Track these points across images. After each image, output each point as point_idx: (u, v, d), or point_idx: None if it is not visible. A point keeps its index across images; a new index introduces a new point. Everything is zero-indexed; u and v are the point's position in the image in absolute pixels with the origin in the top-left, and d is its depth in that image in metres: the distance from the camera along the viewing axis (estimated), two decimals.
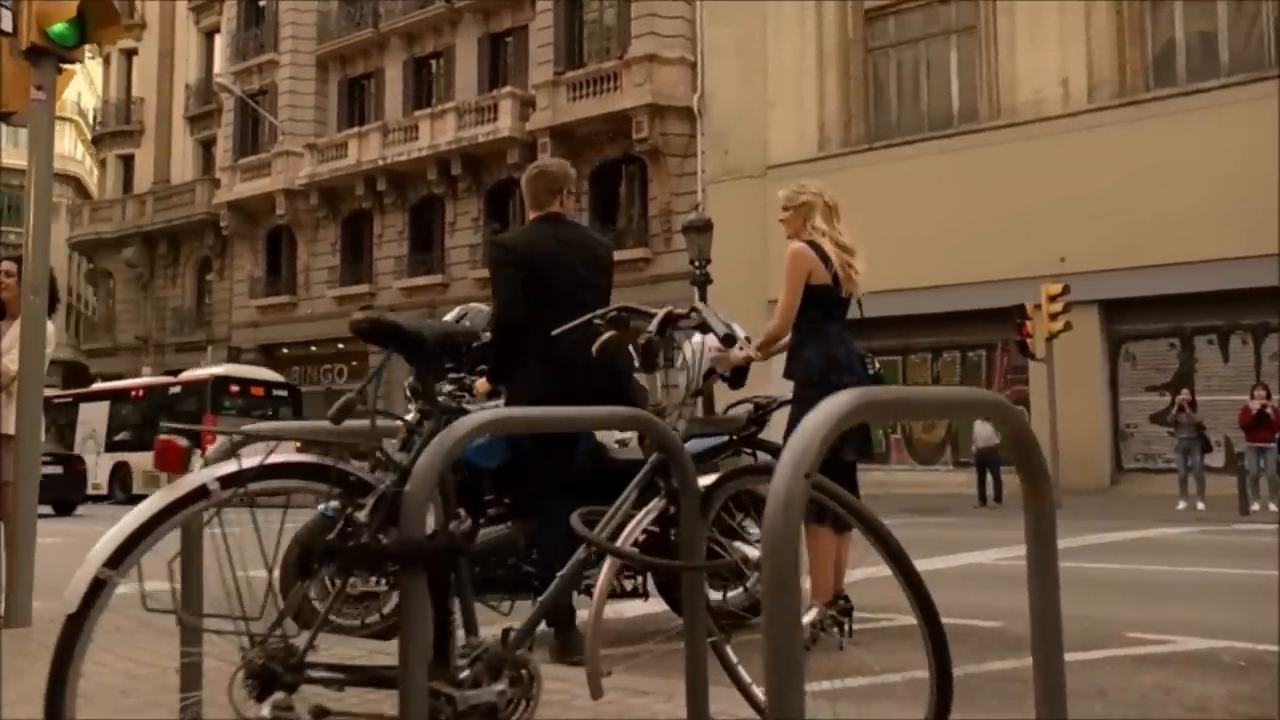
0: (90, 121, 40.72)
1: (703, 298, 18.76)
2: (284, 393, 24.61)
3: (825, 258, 4.42)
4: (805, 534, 4.16)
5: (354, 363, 29.00)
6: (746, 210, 21.73)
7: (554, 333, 3.25)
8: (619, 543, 2.44)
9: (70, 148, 50.18)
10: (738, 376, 4.11)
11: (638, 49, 22.70)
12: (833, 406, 1.39)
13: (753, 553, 2.34)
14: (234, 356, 29.83)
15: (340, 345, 28.46)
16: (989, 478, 16.68)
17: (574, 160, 24.58)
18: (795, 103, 21.33)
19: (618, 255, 25.30)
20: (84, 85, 41.75)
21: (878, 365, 4.70)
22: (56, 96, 4.54)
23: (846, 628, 4.15)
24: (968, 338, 19.81)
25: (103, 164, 37.43)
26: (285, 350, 30.88)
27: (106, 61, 36.45)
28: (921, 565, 2.40)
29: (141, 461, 22.43)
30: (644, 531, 2.62)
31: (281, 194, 29.24)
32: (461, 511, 2.24)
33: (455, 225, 27.09)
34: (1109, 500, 16.12)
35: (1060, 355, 16.16)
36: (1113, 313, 18.15)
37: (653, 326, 2.92)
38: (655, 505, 2.55)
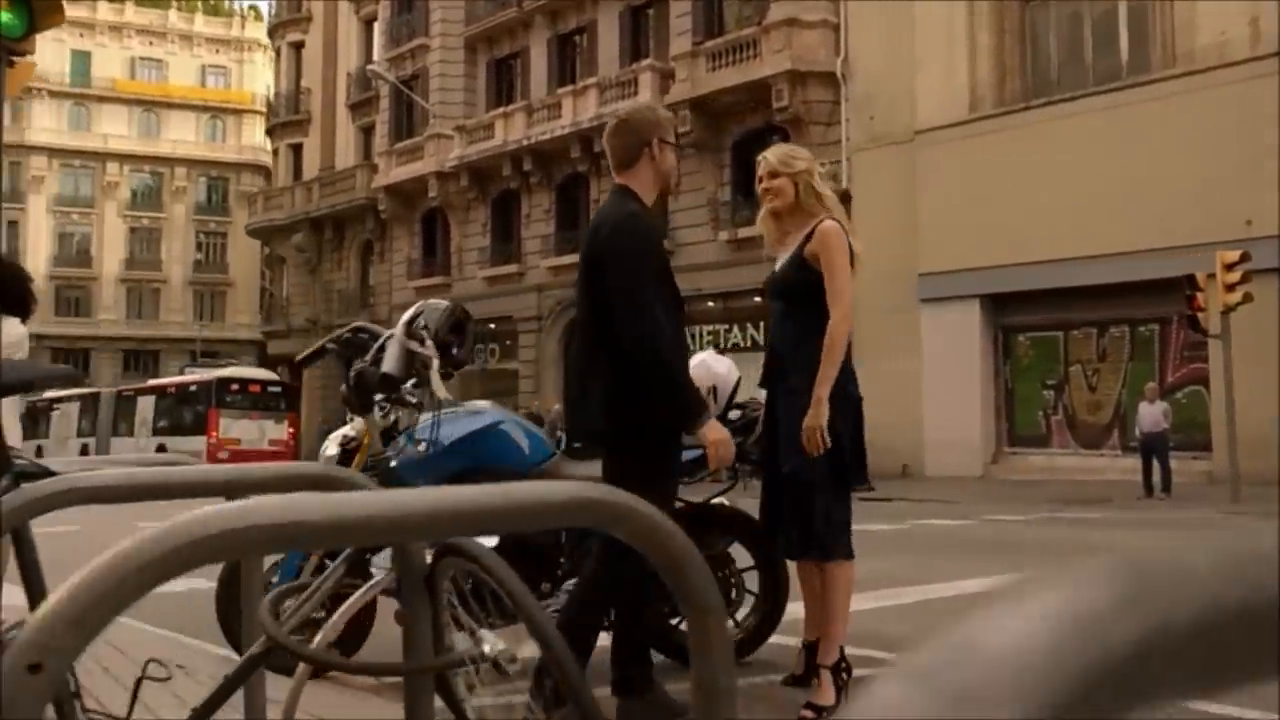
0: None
1: None
2: (278, 389, 28.37)
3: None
4: (826, 575, 3.52)
5: (507, 342, 29.32)
6: (893, 178, 20.59)
7: (298, 358, 2.71)
8: (318, 640, 1.91)
9: (261, 140, 52.99)
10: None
11: (776, 13, 21.76)
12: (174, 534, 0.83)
13: (498, 644, 1.75)
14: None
15: (492, 325, 28.74)
16: (1155, 466, 15.16)
17: (715, 132, 23.94)
18: (944, 62, 19.94)
19: (760, 230, 24.69)
20: (271, 78, 43.88)
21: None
22: (11, 90, 4.35)
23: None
24: (1138, 311, 18.09)
25: (275, 154, 39.18)
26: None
27: (277, 55, 38.05)
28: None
29: (174, 443, 26.24)
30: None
31: (434, 176, 29.74)
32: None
33: (599, 202, 26.79)
34: None
35: (1240, 330, 14.44)
36: None
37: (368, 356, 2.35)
38: (368, 589, 2.00)
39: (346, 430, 4.18)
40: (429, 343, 3.59)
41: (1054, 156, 18.12)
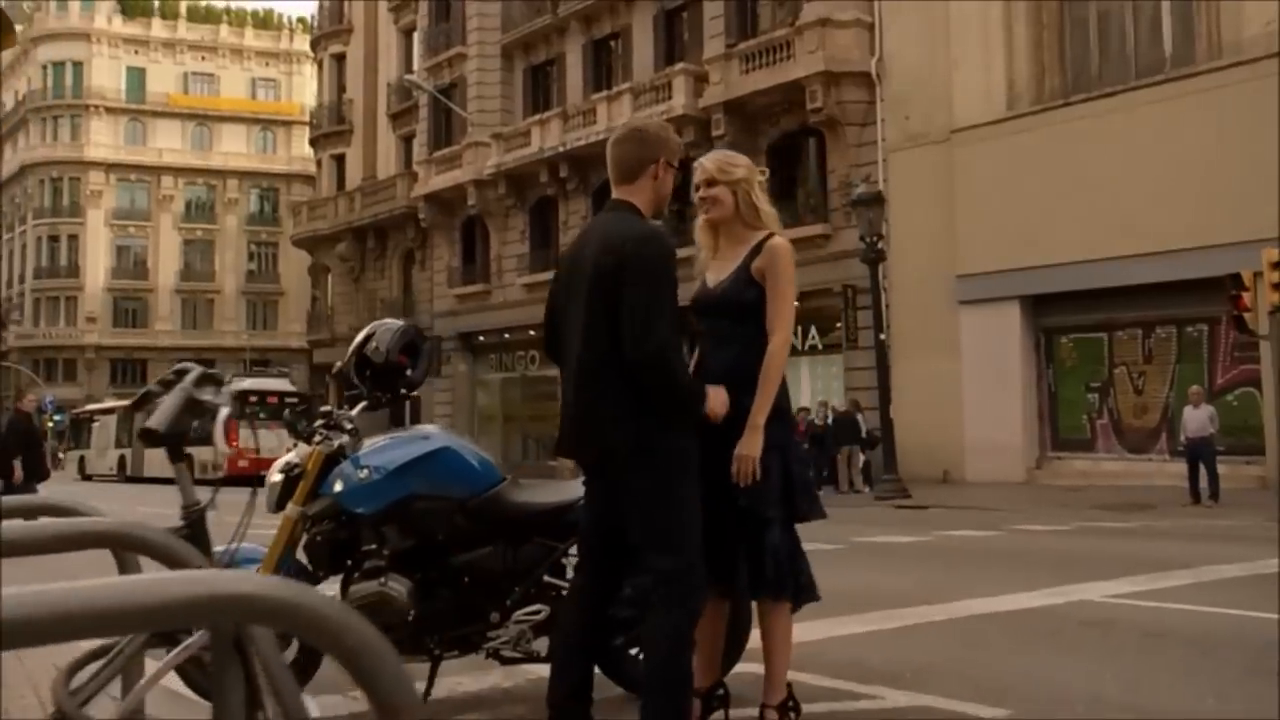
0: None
1: (875, 276, 17.50)
2: (295, 400, 29.42)
3: None
4: (764, 612, 3.32)
5: None
6: (930, 179, 20.20)
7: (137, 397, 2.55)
8: (122, 710, 1.76)
9: (309, 151, 53.70)
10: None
11: (809, 13, 21.45)
12: None
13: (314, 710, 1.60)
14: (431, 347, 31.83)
15: (531, 332, 28.70)
16: (1202, 471, 14.63)
17: (750, 135, 23.64)
18: (981, 58, 19.51)
19: (796, 233, 23.96)
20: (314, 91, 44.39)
21: None
22: None
23: None
24: (1185, 310, 17.50)
25: (319, 164, 39.59)
26: (481, 338, 31.62)
27: (320, 67, 38.44)
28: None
29: (200, 451, 27.42)
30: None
31: (472, 184, 29.81)
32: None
33: None
34: None
35: None
36: None
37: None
38: (174, 655, 1.85)
39: (290, 457, 4.06)
40: (225, 392, 3.47)
41: (1096, 153, 17.62)
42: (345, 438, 4.00)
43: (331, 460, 3.96)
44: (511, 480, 4.05)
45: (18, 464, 12.96)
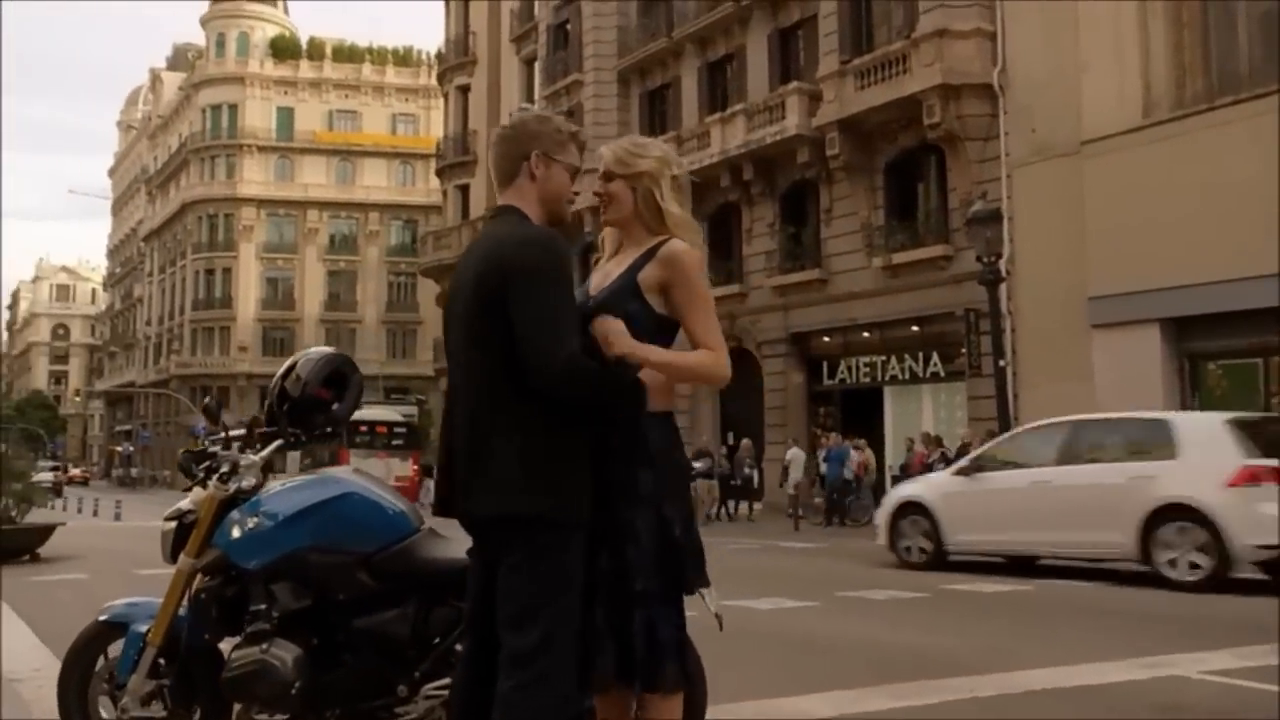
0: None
1: (994, 298, 16.32)
2: (403, 429, 30.61)
3: None
4: (641, 704, 2.64)
5: None
6: (1058, 194, 18.87)
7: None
8: None
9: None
10: None
11: (926, 25, 20.40)
12: None
13: None
14: None
15: None
16: None
17: (866, 154, 22.66)
18: (1113, 61, 18.09)
19: (916, 254, 22.90)
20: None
21: None
22: None
23: None
24: None
25: (445, 194, 40.30)
26: None
27: (446, 99, 39.17)
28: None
29: None
30: None
31: (589, 211, 29.59)
32: None
33: (752, 232, 26.03)
34: None
35: None
36: None
37: None
38: None
39: (183, 504, 3.60)
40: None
41: (1245, 160, 16.02)
42: (246, 480, 3.52)
43: (228, 507, 3.49)
44: (428, 531, 3.49)
45: None
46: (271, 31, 66.91)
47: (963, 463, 12.23)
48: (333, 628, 3.36)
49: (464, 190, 38.57)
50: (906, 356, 22.54)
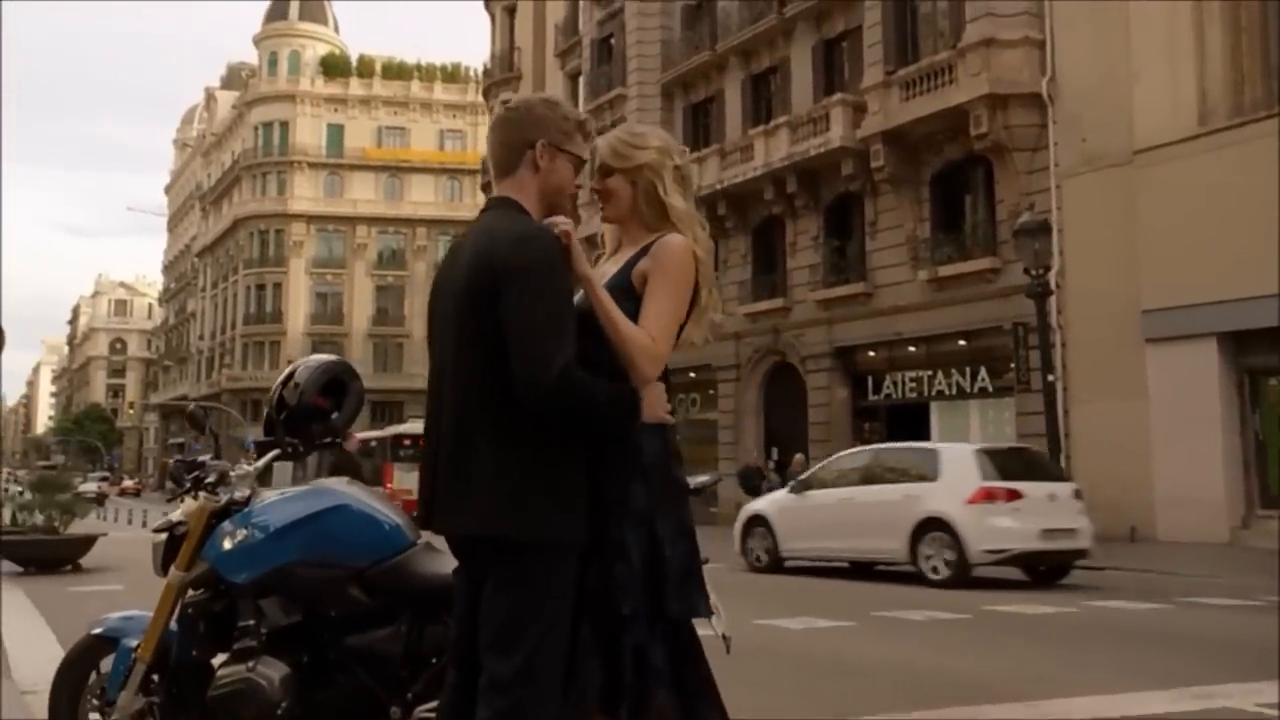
0: None
1: (1041, 312, 15.93)
2: None
3: None
4: None
5: (709, 392, 28.52)
6: (1110, 205, 18.43)
7: None
8: None
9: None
10: None
11: (973, 34, 20.06)
12: None
13: None
14: None
15: (693, 374, 28.06)
16: None
17: (912, 165, 22.33)
18: (1167, 68, 17.64)
19: (963, 267, 22.44)
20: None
21: None
22: None
23: None
24: None
25: None
26: None
27: (491, 115, 39.35)
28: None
29: None
30: None
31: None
32: None
33: (796, 245, 25.74)
34: None
35: None
36: None
37: None
38: None
39: (174, 515, 3.48)
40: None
41: None
42: (238, 491, 3.40)
43: (220, 518, 3.37)
44: (424, 546, 3.33)
45: None
46: (322, 50, 67.94)
47: (794, 482, 14.25)
48: (323, 645, 3.22)
49: None
50: (953, 371, 22.11)
